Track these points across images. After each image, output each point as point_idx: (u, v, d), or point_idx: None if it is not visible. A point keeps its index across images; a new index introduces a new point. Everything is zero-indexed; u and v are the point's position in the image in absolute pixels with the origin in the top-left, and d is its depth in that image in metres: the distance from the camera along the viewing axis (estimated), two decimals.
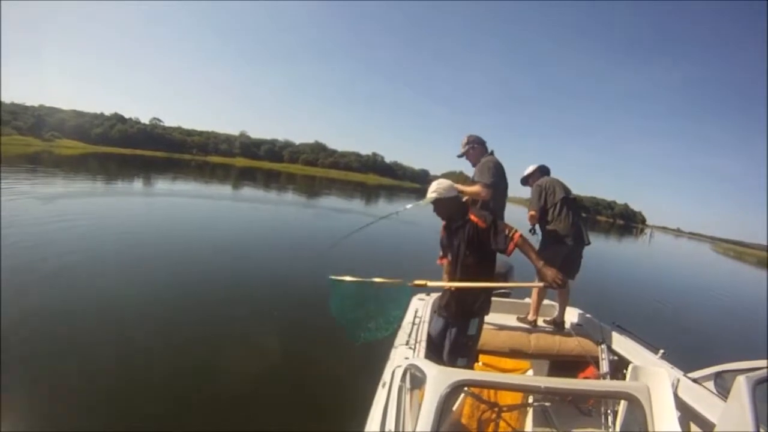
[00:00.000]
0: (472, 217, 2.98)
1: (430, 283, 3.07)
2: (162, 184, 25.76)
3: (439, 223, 3.22)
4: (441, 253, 3.31)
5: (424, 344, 3.10)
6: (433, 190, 3.02)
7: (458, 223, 3.03)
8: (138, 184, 24.49)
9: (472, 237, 2.93)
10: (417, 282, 3.04)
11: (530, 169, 4.24)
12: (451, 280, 3.09)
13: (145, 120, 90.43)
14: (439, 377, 1.60)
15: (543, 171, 4.20)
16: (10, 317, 4.44)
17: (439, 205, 3.05)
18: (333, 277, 3.08)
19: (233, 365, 4.16)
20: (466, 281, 2.95)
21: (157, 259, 7.77)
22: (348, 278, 3.07)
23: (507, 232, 2.84)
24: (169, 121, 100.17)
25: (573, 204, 3.94)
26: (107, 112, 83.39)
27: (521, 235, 2.83)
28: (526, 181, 4.25)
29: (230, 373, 4.03)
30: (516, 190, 4.03)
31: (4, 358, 3.69)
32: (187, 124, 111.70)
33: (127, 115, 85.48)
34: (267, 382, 4.07)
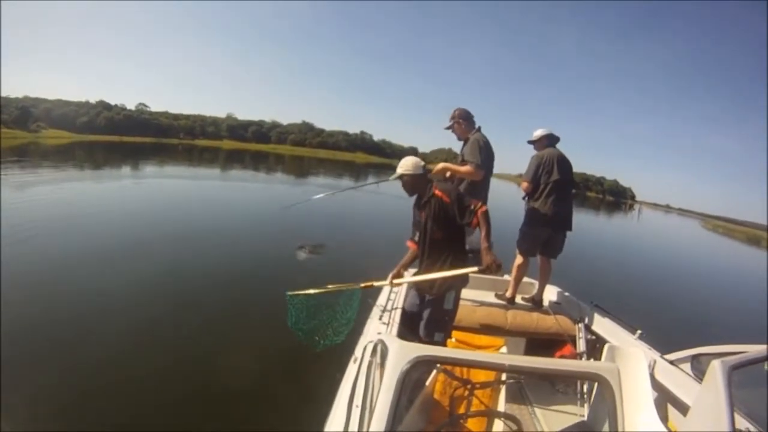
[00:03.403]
0: (437, 192, 3.01)
1: (376, 283, 3.20)
2: (150, 169, 25.75)
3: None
4: (413, 236, 3.31)
5: (398, 319, 3.14)
6: (399, 166, 3.09)
7: (424, 198, 3.07)
8: (126, 171, 24.34)
9: (438, 212, 2.97)
10: (365, 284, 3.17)
11: (539, 133, 4.04)
12: (420, 255, 3.17)
13: (131, 106, 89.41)
14: (399, 352, 1.61)
15: (550, 140, 4.01)
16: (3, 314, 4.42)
17: (404, 181, 3.10)
18: (290, 293, 3.13)
19: (221, 353, 4.30)
20: (435, 255, 3.03)
21: (146, 246, 7.81)
22: (304, 292, 3.14)
23: (472, 206, 2.88)
24: (156, 106, 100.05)
25: (566, 188, 3.91)
26: (92, 100, 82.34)
27: (485, 211, 2.85)
28: (532, 143, 4.10)
29: (216, 359, 4.18)
30: (504, 167, 3.81)
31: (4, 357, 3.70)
32: (174, 109, 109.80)
33: (112, 102, 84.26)
34: (247, 363, 4.09)
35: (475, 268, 2.80)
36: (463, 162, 3.75)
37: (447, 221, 2.96)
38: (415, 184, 3.11)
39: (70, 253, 6.92)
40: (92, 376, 3.73)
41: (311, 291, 3.16)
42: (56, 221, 8.99)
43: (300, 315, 3.11)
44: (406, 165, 3.07)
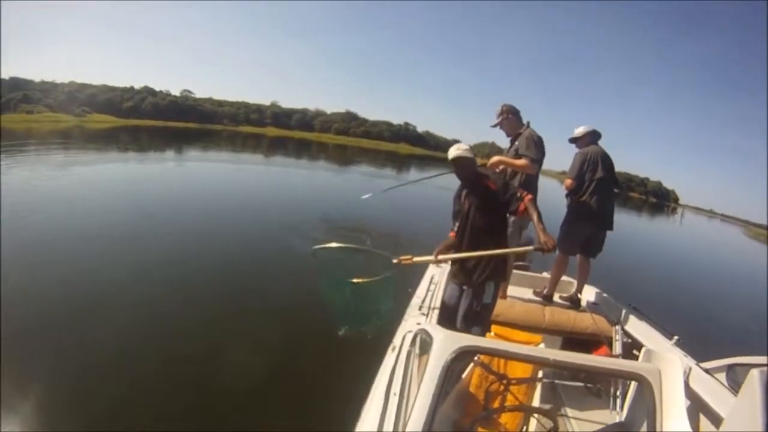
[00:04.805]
0: (483, 180, 3.05)
1: (416, 259, 3.08)
2: (194, 153, 26.96)
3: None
4: (454, 227, 3.27)
5: (437, 311, 3.14)
6: (456, 148, 3.04)
7: (470, 186, 3.09)
8: (169, 154, 25.45)
9: (484, 199, 2.99)
10: (403, 258, 3.04)
11: (581, 130, 4.05)
12: (459, 245, 3.12)
13: (175, 92, 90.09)
14: (445, 341, 1.62)
15: (593, 136, 4.02)
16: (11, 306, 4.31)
17: (461, 165, 3.03)
18: (317, 247, 3.05)
19: (257, 335, 4.40)
20: (476, 243, 2.98)
21: (180, 234, 7.84)
22: (333, 244, 3.07)
23: (518, 194, 2.92)
24: (200, 93, 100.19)
25: (610, 186, 3.89)
26: (137, 86, 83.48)
27: (532, 199, 2.89)
28: (574, 141, 4.10)
29: (253, 342, 4.22)
30: (546, 162, 3.91)
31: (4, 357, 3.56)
32: (218, 95, 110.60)
33: (157, 88, 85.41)
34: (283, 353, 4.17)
35: (531, 247, 2.84)
36: (517, 156, 3.75)
37: (491, 209, 3.00)
38: (469, 167, 3.07)
39: (88, 233, 7.03)
40: (101, 368, 3.67)
41: (334, 244, 3.09)
42: (81, 201, 9.32)
43: (333, 279, 3.01)
44: (461, 147, 3.05)
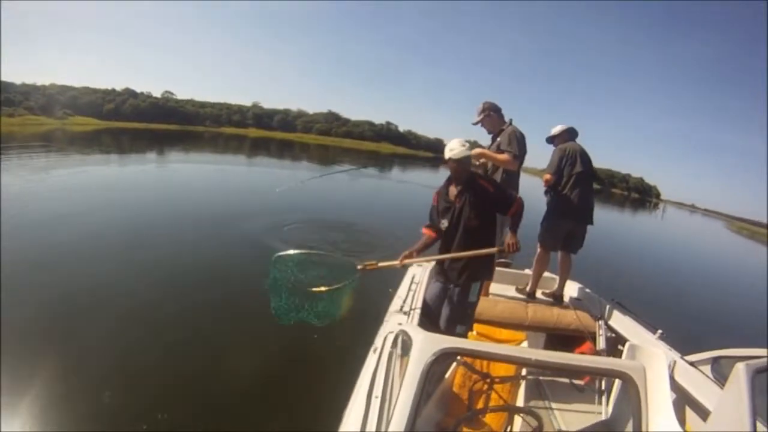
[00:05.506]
0: (480, 180, 3.09)
1: (381, 264, 3.15)
2: (176, 156, 26.71)
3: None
4: (429, 222, 3.32)
5: (419, 311, 3.09)
6: (461, 145, 3.03)
7: (463, 185, 3.07)
8: (151, 156, 25.26)
9: (478, 199, 2.99)
10: (368, 263, 3.11)
11: (558, 128, 4.06)
12: (447, 244, 3.14)
13: (156, 94, 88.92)
14: (425, 344, 1.59)
15: (570, 134, 4.03)
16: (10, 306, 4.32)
17: (465, 162, 3.03)
18: (279, 254, 3.06)
19: (231, 344, 4.29)
20: (469, 244, 3.00)
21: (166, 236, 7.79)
22: (294, 251, 3.11)
23: (513, 196, 3.05)
24: (182, 94, 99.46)
25: (589, 180, 3.90)
26: (118, 88, 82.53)
27: (522, 202, 3.02)
28: (551, 140, 4.09)
29: (227, 349, 4.17)
30: (528, 159, 4.01)
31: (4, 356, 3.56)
32: (200, 97, 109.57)
33: (138, 90, 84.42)
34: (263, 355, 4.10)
35: (495, 249, 2.93)
36: (500, 151, 3.80)
37: (485, 209, 3.02)
38: (469, 165, 3.11)
39: (71, 238, 6.90)
40: (96, 369, 3.68)
41: (297, 251, 3.14)
42: (65, 205, 9.04)
43: (284, 277, 3.01)
44: (461, 147, 3.02)
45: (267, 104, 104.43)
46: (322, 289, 2.98)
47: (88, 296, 4.88)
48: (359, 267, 3.09)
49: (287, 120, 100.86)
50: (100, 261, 6.02)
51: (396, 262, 3.12)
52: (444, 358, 1.57)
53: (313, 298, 2.96)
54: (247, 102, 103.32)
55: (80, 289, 5.05)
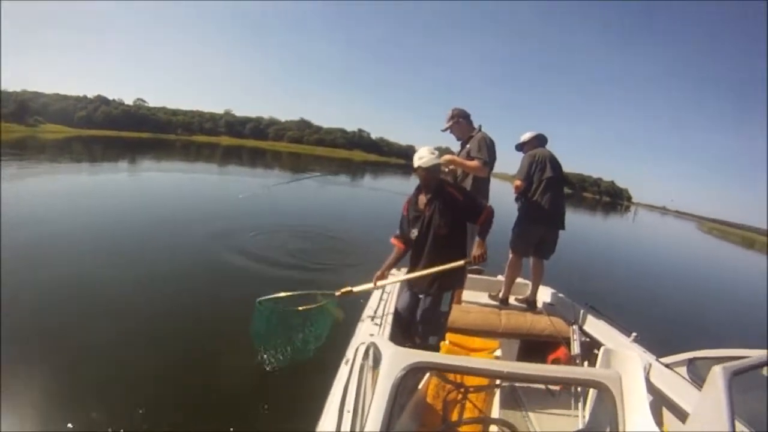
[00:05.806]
0: (449, 188, 3.03)
1: (356, 289, 3.23)
2: (148, 164, 26.24)
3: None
4: (399, 232, 3.26)
5: (390, 320, 3.06)
6: (431, 153, 2.98)
7: (432, 193, 3.01)
8: (123, 165, 24.78)
9: (447, 207, 2.94)
10: (343, 290, 3.21)
11: (527, 135, 4.06)
12: (417, 254, 3.09)
13: (129, 101, 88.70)
14: (394, 358, 1.55)
15: (540, 140, 4.04)
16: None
17: (434, 170, 3.00)
18: (260, 299, 3.13)
19: (206, 355, 4.06)
20: (439, 252, 2.96)
21: (143, 241, 7.73)
22: (274, 296, 3.16)
23: (483, 204, 3.00)
24: (154, 102, 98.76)
25: (559, 185, 3.89)
26: (90, 95, 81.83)
27: (492, 211, 2.97)
28: (521, 147, 4.09)
29: (202, 361, 3.97)
30: (499, 165, 3.92)
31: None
32: (172, 104, 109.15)
33: (110, 97, 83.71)
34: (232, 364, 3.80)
35: (461, 262, 2.90)
36: (469, 158, 3.71)
37: (454, 218, 2.95)
38: (438, 173, 3.07)
39: (52, 245, 6.78)
40: (85, 373, 3.58)
41: (281, 294, 3.19)
42: (44, 212, 8.98)
43: (268, 322, 3.14)
44: (430, 155, 2.97)
45: (239, 112, 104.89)
46: (299, 309, 3.15)
47: (56, 303, 4.74)
48: (337, 294, 3.19)
49: (259, 128, 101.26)
50: (71, 268, 5.87)
51: (370, 285, 3.18)
52: (414, 372, 1.53)
53: (296, 330, 3.14)
54: (219, 110, 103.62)
55: (44, 293, 4.93)
